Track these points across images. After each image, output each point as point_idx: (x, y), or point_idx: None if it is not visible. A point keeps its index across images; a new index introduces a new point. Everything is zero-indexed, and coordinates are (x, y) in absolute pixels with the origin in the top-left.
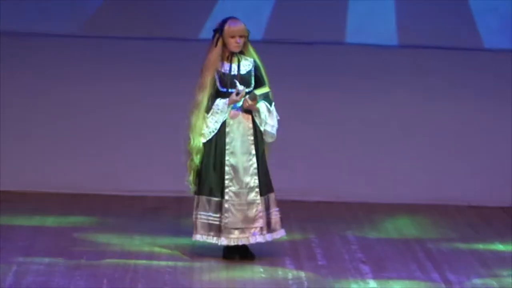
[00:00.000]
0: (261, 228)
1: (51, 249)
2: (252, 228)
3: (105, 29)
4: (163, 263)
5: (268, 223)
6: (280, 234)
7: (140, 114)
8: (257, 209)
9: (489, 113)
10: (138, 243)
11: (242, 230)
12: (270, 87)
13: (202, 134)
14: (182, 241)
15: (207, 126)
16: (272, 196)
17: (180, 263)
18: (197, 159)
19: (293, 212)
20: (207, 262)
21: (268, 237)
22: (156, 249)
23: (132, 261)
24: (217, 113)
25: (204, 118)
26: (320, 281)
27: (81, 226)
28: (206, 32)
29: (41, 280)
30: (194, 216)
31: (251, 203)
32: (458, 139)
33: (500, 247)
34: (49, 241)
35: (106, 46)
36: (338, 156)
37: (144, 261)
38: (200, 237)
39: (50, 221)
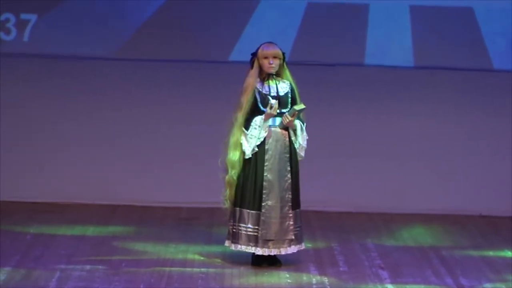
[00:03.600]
0: (291, 240)
1: (92, 257)
2: (284, 240)
3: (137, 52)
4: (196, 269)
5: (296, 235)
6: (303, 246)
7: (175, 130)
8: (289, 222)
9: (499, 129)
10: (173, 251)
11: (275, 241)
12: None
13: (237, 149)
14: (214, 249)
15: (247, 142)
16: (299, 211)
17: (211, 269)
18: (233, 173)
19: (317, 221)
20: (237, 269)
21: (296, 248)
22: (190, 256)
23: (167, 268)
24: (255, 129)
25: (243, 135)
26: (342, 286)
27: (119, 235)
28: (235, 55)
29: (82, 286)
30: (232, 226)
31: (284, 217)
32: (469, 154)
33: (509, 254)
34: (89, 249)
35: (138, 68)
36: (358, 170)
37: (178, 268)
38: (240, 247)
39: (90, 230)
